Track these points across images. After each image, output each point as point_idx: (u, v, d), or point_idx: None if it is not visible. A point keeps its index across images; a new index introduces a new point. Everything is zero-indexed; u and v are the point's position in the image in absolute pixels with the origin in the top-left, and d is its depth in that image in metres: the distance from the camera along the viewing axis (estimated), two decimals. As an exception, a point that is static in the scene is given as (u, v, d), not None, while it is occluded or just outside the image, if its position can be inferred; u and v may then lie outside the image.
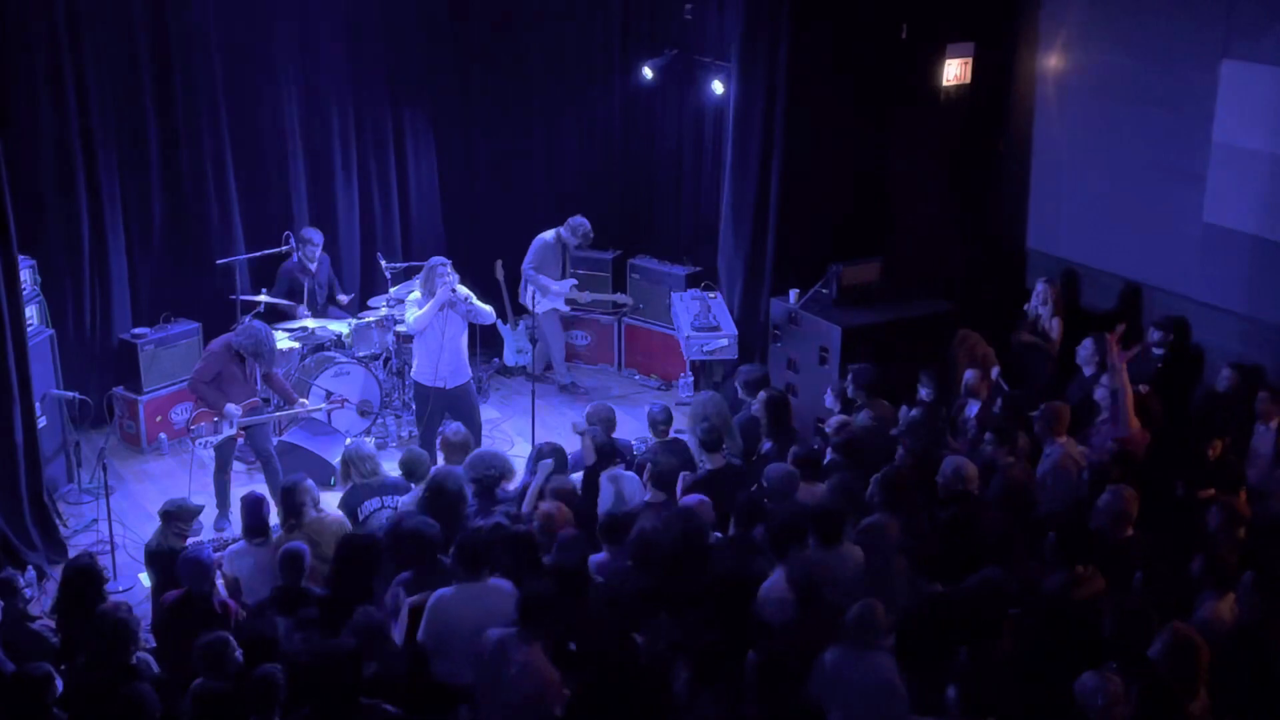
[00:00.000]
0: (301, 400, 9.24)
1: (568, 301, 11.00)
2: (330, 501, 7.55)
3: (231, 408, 8.54)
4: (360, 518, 7.31)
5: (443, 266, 8.94)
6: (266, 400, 9.21)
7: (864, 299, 9.89)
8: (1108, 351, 7.93)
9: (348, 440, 9.58)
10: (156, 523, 7.04)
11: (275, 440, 9.32)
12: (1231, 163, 9.04)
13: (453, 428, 8.00)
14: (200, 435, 8.66)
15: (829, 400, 8.85)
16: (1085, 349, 8.77)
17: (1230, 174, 9.07)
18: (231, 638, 5.46)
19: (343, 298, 10.71)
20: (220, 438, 8.65)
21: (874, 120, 10.42)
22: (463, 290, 8.96)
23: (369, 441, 8.82)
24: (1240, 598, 5.69)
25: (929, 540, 6.47)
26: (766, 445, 8.08)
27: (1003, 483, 6.94)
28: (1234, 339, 9.10)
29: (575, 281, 11.00)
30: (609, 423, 8.03)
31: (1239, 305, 9.11)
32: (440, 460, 7.86)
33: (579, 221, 10.75)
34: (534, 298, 10.53)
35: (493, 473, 7.20)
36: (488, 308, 9.21)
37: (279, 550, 6.42)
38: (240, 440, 9.01)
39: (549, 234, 10.82)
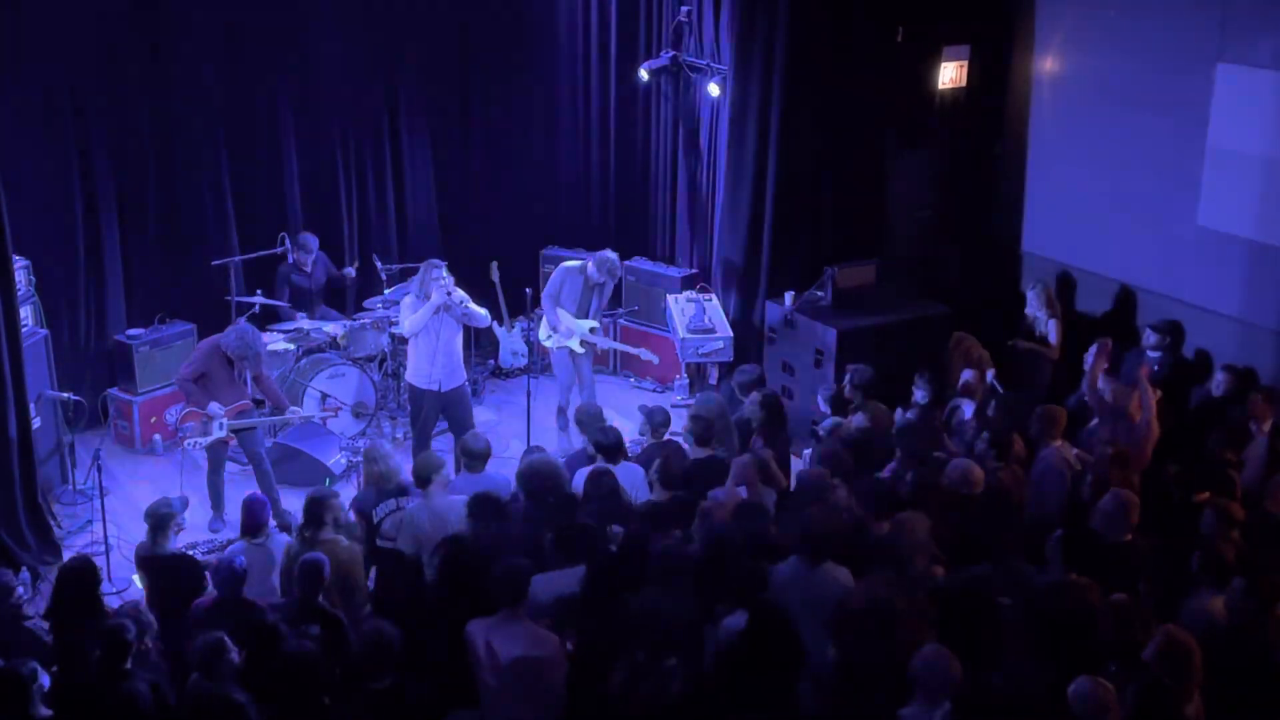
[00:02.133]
0: (294, 408, 9.22)
1: (584, 345, 9.80)
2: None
3: (215, 407, 8.51)
4: (375, 520, 7.28)
5: (437, 269, 8.93)
6: (259, 402, 9.19)
7: (860, 302, 9.89)
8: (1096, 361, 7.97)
9: (334, 459, 9.57)
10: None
11: (269, 443, 9.31)
12: (1226, 167, 9.07)
13: (471, 434, 7.91)
14: (189, 435, 8.63)
15: (821, 404, 8.85)
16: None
17: (1225, 178, 9.10)
18: (227, 639, 5.43)
19: (350, 271, 10.69)
20: (209, 439, 8.62)
21: (870, 123, 10.44)
22: (458, 293, 8.95)
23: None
24: (1230, 601, 5.70)
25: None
26: (758, 444, 8.08)
27: (991, 486, 6.95)
28: (1228, 342, 9.12)
29: (596, 325, 9.83)
30: (598, 419, 8.04)
31: (1233, 309, 9.14)
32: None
33: (604, 256, 9.68)
34: (547, 333, 9.83)
35: (550, 485, 7.02)
36: (483, 310, 9.20)
37: (299, 560, 6.25)
38: (232, 442, 8.99)
39: (574, 264, 9.88)
